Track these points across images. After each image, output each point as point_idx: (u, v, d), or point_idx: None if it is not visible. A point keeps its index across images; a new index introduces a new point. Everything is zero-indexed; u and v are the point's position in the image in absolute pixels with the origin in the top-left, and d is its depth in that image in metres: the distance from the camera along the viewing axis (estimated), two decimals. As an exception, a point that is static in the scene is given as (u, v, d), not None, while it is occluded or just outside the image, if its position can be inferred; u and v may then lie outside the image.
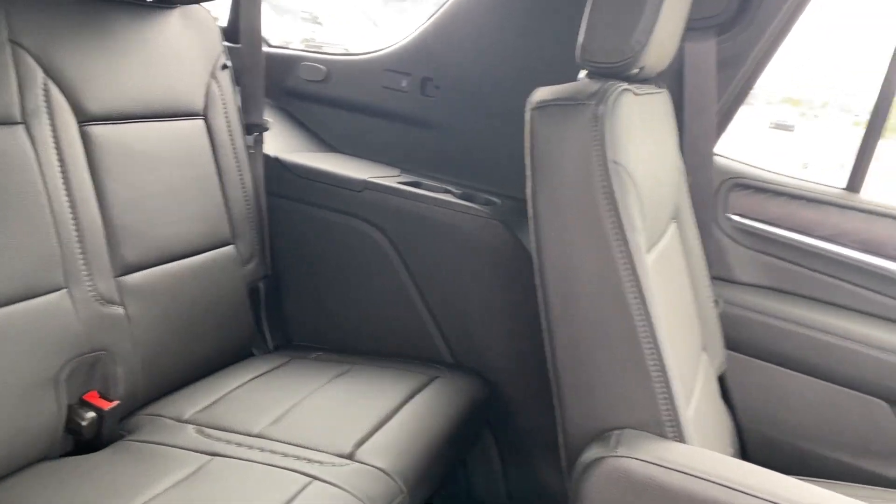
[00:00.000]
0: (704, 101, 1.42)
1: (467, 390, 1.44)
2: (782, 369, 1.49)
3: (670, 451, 0.89)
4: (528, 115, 0.96)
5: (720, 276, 1.53)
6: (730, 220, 1.53)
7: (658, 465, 0.86)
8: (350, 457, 1.15)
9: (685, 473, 0.85)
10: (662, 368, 0.92)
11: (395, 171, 1.66)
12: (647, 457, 0.87)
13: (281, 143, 1.70)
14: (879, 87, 1.44)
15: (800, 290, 1.50)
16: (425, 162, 1.69)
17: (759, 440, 1.51)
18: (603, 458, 0.88)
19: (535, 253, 0.97)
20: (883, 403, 1.44)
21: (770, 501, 0.83)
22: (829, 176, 1.55)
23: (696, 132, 1.44)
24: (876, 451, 1.45)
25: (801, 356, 1.47)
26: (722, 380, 1.52)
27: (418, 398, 1.35)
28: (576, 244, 0.94)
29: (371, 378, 1.42)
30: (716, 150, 1.54)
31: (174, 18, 1.46)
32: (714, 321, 1.42)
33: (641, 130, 1.05)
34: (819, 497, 0.85)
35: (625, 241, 0.92)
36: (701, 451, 0.91)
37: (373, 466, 1.13)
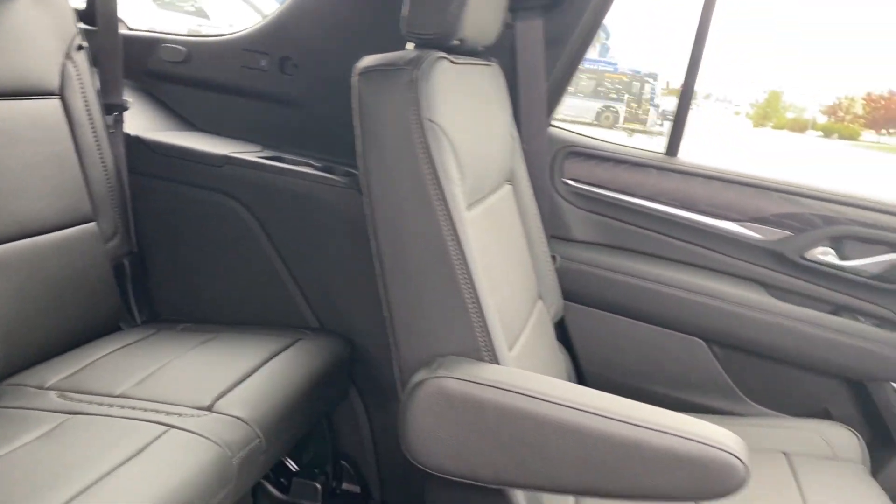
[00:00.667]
0: (535, 76, 1.56)
1: (330, 350, 1.54)
2: (615, 316, 1.66)
3: (484, 371, 1.01)
4: (354, 81, 1.07)
5: (558, 234, 1.69)
6: (565, 184, 1.69)
7: (471, 381, 0.99)
8: (209, 408, 1.22)
9: (494, 387, 0.98)
10: (478, 304, 1.04)
11: (257, 148, 1.73)
12: (462, 376, 0.99)
13: (143, 122, 1.73)
14: (687, 65, 1.63)
15: (627, 245, 1.67)
16: (287, 138, 1.77)
17: (599, 382, 1.68)
18: (425, 379, 1.00)
19: (366, 207, 1.08)
20: (700, 341, 1.63)
21: (568, 406, 0.97)
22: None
23: (529, 104, 1.58)
24: (696, 384, 1.64)
25: (630, 303, 1.64)
26: (564, 328, 1.68)
27: (280, 357, 1.44)
28: (400, 197, 1.05)
29: (235, 343, 1.48)
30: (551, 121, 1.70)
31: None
32: (551, 274, 1.57)
33: (462, 96, 1.17)
34: (614, 402, 0.99)
35: (441, 191, 1.03)
36: (512, 371, 1.04)
37: (230, 416, 1.21)
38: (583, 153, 1.68)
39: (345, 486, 1.64)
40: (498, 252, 1.28)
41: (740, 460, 0.93)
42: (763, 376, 1.63)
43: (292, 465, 1.62)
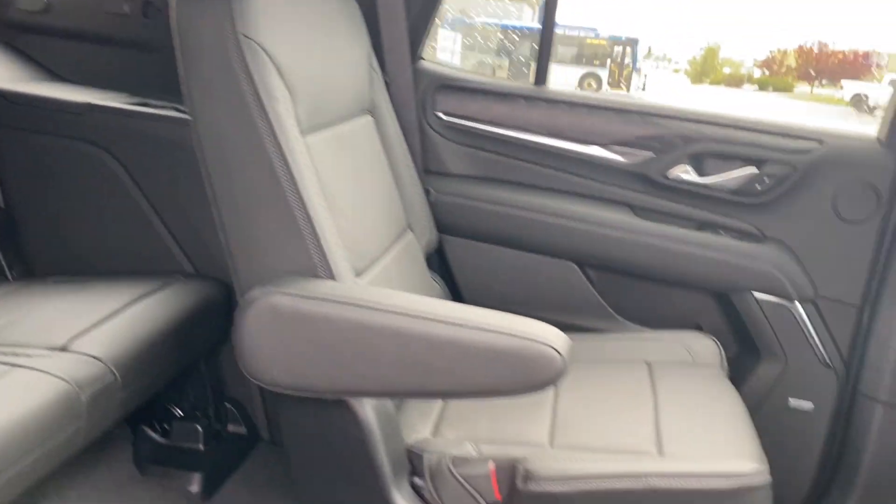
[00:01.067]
0: (395, 11, 1.56)
1: (202, 293, 1.53)
2: (492, 246, 1.69)
3: (314, 286, 1.03)
4: (171, 2, 1.05)
5: (432, 169, 1.70)
6: (438, 118, 1.70)
7: (300, 296, 1.00)
8: (63, 349, 1.21)
9: (321, 299, 1.00)
10: (311, 224, 1.05)
11: (124, 96, 1.70)
12: (291, 291, 1.00)
13: (3, 74, 1.69)
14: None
15: (501, 176, 1.70)
16: (154, 84, 1.73)
17: None
18: (256, 297, 1.01)
19: (193, 131, 1.07)
20: (573, 265, 1.67)
21: (390, 311, 0.99)
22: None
23: (391, 38, 1.57)
24: (572, 307, 1.69)
25: (506, 233, 1.67)
26: (445, 261, 1.71)
27: (146, 300, 1.43)
28: (223, 116, 1.04)
29: (103, 290, 1.47)
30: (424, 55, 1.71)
31: None
32: (423, 207, 1.59)
33: (293, 17, 1.17)
34: (437, 305, 1.01)
35: (264, 109, 1.03)
36: (341, 284, 1.06)
37: (84, 354, 1.20)
38: (453, 86, 1.69)
39: (231, 428, 1.65)
40: (350, 179, 1.29)
41: (557, 352, 0.96)
42: (635, 295, 1.68)
43: (178, 411, 1.62)
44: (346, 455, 1.11)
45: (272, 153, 1.04)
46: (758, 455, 1.14)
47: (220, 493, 1.54)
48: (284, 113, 1.06)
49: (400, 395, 1.03)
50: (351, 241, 1.19)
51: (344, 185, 1.25)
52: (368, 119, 1.45)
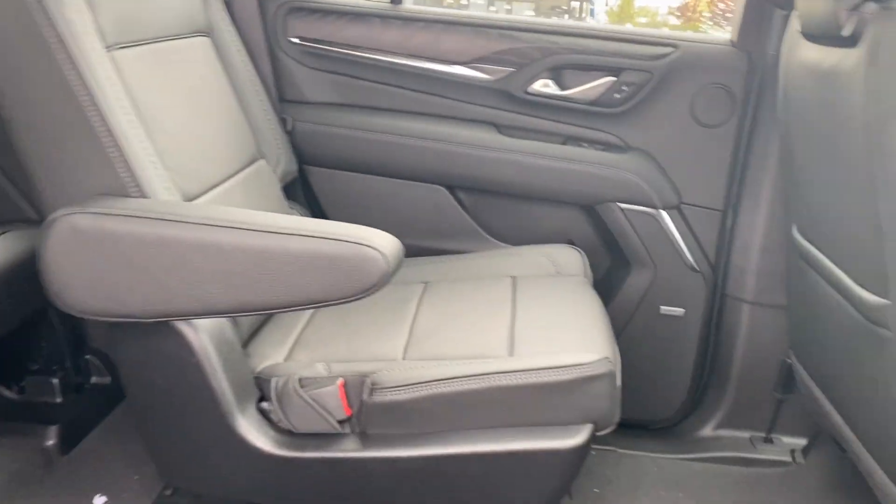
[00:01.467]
0: None
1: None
2: (359, 175, 1.64)
3: (121, 203, 0.96)
4: None
5: (291, 97, 1.63)
6: (292, 44, 1.63)
7: (102, 213, 0.94)
8: None
9: (126, 216, 0.94)
10: (114, 140, 0.98)
11: None
12: (94, 209, 0.94)
13: None
14: None
15: (362, 101, 1.64)
16: None
17: None
18: (56, 218, 0.94)
19: None
20: (443, 188, 1.64)
21: (204, 224, 0.94)
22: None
23: None
24: (445, 231, 1.66)
25: (371, 160, 1.63)
26: (311, 192, 1.65)
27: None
28: (8, 28, 0.96)
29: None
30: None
31: None
32: (278, 136, 1.52)
33: None
34: (254, 216, 0.96)
35: (49, 17, 0.95)
36: (152, 201, 0.99)
37: None
38: (305, 8, 1.62)
39: (94, 380, 1.58)
40: (178, 101, 1.21)
41: (381, 253, 0.93)
42: (507, 216, 1.67)
43: (34, 366, 1.53)
44: (184, 385, 1.06)
45: (64, 65, 0.96)
46: (606, 348, 1.14)
47: (82, 445, 1.47)
48: (79, 21, 0.98)
49: (224, 313, 0.98)
50: (179, 163, 1.13)
51: (168, 105, 1.17)
52: (204, 41, 1.37)
